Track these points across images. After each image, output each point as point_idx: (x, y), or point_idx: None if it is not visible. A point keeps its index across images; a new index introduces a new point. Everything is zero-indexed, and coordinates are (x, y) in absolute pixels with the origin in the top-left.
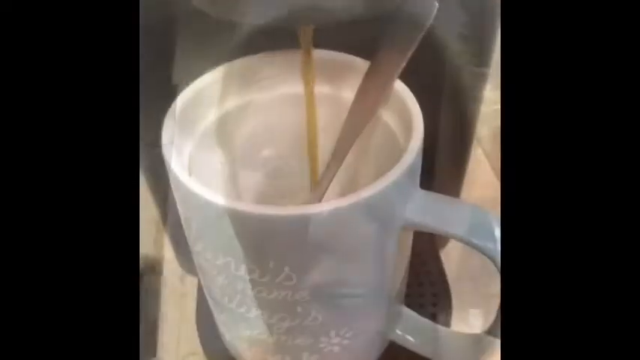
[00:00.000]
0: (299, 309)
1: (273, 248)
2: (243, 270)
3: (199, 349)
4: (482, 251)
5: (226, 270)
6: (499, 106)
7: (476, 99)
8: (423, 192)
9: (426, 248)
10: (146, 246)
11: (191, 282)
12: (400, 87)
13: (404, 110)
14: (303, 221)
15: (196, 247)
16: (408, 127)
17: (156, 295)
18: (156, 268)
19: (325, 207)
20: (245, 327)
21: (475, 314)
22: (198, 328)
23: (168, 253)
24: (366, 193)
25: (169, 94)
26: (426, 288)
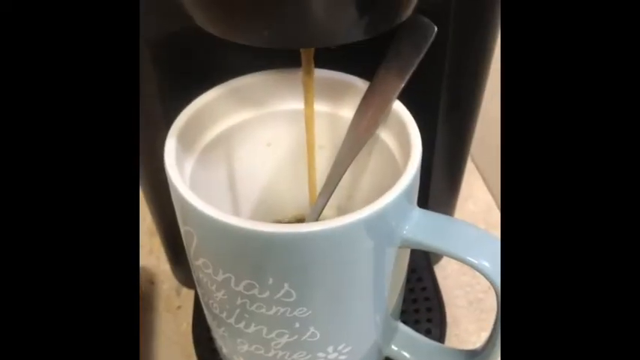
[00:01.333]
0: (297, 325)
1: (272, 265)
2: (242, 286)
3: None
4: (478, 270)
5: (226, 285)
6: (489, 119)
7: (472, 114)
8: (420, 211)
9: (420, 264)
10: (142, 258)
11: (187, 294)
12: (399, 107)
13: (402, 130)
14: (302, 239)
15: (196, 261)
16: (406, 147)
17: (152, 307)
18: (152, 280)
19: (324, 226)
20: (243, 342)
21: (468, 330)
22: (195, 342)
23: (165, 266)
24: (364, 212)
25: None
26: (421, 304)
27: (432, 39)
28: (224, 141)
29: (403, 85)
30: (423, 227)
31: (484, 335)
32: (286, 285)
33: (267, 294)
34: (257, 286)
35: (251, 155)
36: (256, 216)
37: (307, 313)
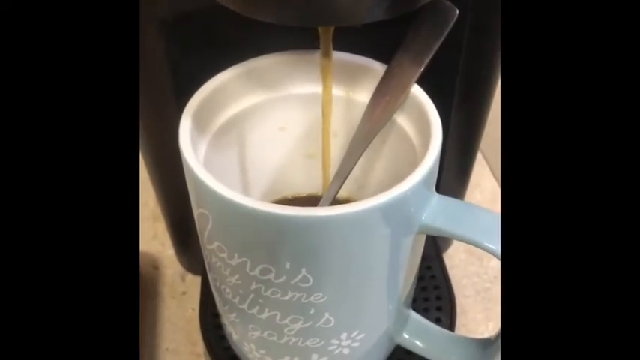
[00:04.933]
0: (313, 310)
1: (290, 249)
2: (258, 270)
3: (202, 349)
4: (498, 256)
5: (241, 270)
6: (497, 109)
7: (486, 103)
8: (439, 197)
9: (429, 252)
10: (146, 243)
11: (192, 280)
12: (418, 92)
13: (421, 115)
14: (323, 223)
15: (210, 245)
16: (425, 133)
17: (156, 292)
18: (156, 265)
19: (344, 210)
20: (255, 327)
21: (476, 319)
22: (202, 328)
23: (169, 251)
24: (385, 197)
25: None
26: (431, 292)
27: (453, 22)
28: (237, 123)
29: (422, 69)
30: (442, 213)
31: (491, 325)
32: (303, 270)
33: (283, 279)
34: (273, 270)
35: (264, 139)
36: (268, 196)
37: (323, 299)
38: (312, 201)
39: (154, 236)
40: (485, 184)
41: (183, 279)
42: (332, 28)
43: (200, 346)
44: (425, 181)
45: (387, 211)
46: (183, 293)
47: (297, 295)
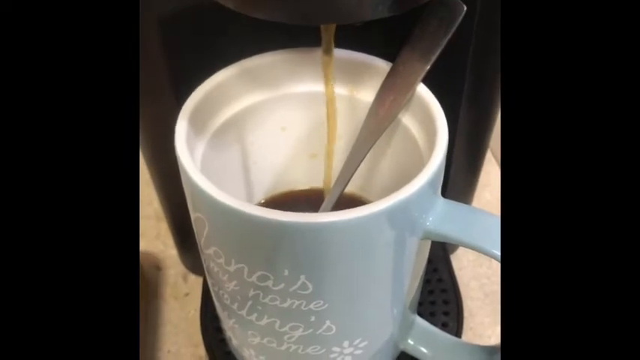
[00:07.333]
0: (313, 318)
1: (288, 256)
2: (256, 277)
3: (204, 351)
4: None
5: (238, 276)
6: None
7: (495, 102)
8: (444, 201)
9: (437, 254)
10: (149, 243)
11: (194, 281)
12: (424, 91)
13: (427, 115)
14: (321, 230)
15: (207, 250)
16: (430, 133)
17: (158, 293)
18: (158, 265)
19: (343, 216)
20: (254, 334)
21: (484, 323)
22: (203, 331)
23: (171, 251)
24: (386, 202)
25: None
26: (438, 295)
27: (460, 18)
28: (237, 124)
29: (429, 67)
30: (447, 219)
31: (499, 329)
32: (302, 277)
33: (282, 286)
34: (271, 277)
35: (265, 139)
36: (269, 198)
37: (324, 307)
38: (315, 194)
39: (157, 236)
40: (495, 183)
41: (185, 280)
42: (334, 26)
43: (202, 349)
44: (430, 184)
45: (389, 217)
46: (186, 295)
47: (297, 302)
